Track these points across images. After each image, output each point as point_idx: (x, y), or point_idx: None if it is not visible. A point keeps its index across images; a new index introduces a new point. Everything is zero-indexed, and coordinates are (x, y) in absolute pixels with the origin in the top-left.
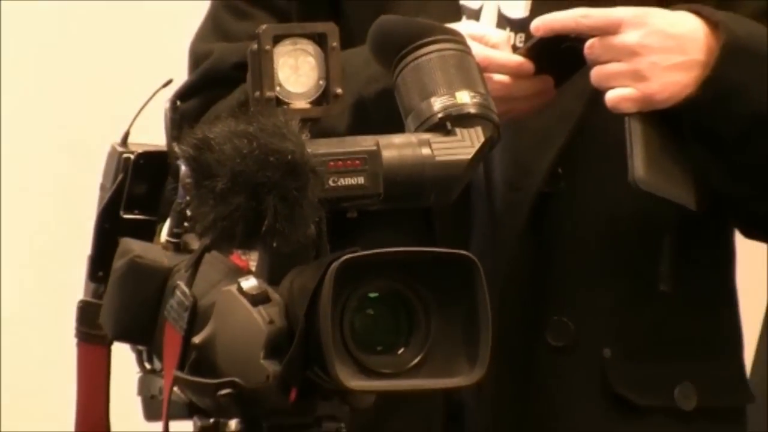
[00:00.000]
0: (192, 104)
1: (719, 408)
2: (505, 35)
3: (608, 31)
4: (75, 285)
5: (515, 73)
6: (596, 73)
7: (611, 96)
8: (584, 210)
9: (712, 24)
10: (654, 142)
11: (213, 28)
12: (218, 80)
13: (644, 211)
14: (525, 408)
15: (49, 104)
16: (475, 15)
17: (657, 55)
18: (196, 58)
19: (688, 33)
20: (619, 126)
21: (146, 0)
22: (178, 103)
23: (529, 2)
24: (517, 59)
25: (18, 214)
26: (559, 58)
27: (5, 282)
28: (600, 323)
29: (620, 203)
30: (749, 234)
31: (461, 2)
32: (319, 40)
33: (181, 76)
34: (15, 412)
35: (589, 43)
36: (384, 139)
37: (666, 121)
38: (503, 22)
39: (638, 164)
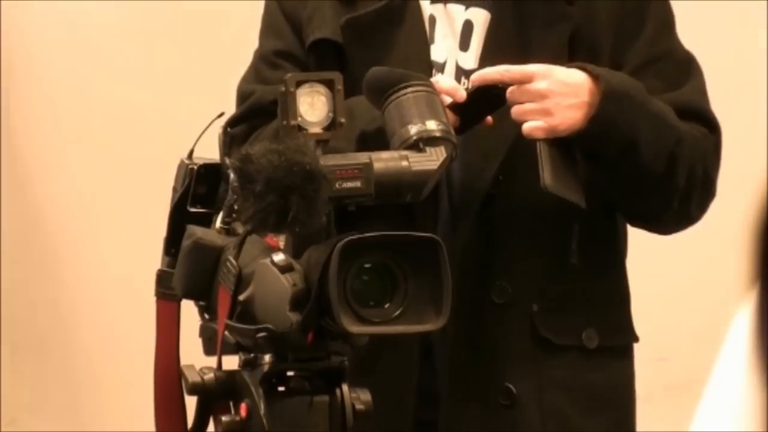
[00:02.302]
0: (239, 130)
1: (613, 346)
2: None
3: (524, 80)
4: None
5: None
6: (515, 111)
7: (526, 127)
8: (518, 206)
9: (594, 76)
10: (557, 160)
11: (254, 75)
12: (259, 112)
13: (559, 207)
14: (476, 347)
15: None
16: (441, 67)
17: (559, 97)
18: (242, 96)
19: (580, 82)
20: None
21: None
22: (229, 129)
23: (477, 58)
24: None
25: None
26: (489, 99)
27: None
28: (529, 286)
29: (543, 201)
30: (632, 223)
31: (432, 58)
32: (329, 84)
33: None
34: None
35: (510, 89)
36: (375, 155)
37: (563, 144)
38: (459, 71)
39: (546, 175)
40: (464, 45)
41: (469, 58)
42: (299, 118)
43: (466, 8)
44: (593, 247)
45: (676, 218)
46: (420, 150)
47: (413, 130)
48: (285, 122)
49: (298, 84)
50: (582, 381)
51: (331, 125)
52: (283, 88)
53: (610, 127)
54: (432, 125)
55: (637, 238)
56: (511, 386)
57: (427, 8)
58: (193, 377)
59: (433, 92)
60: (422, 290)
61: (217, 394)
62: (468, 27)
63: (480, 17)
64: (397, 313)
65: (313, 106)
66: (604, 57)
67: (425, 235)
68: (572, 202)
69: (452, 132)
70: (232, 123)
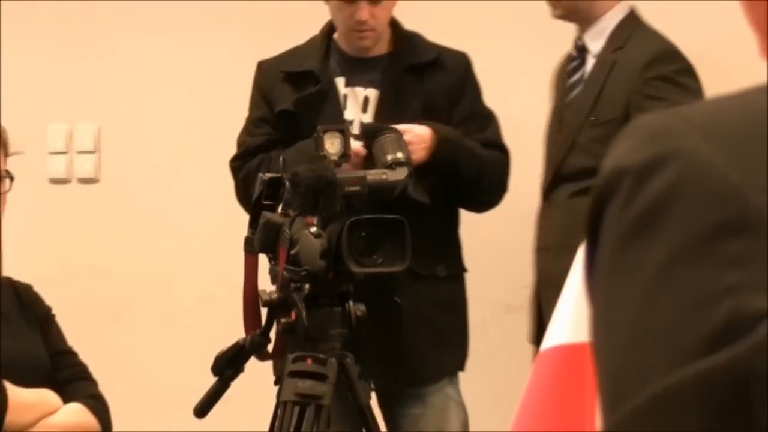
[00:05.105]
0: (254, 162)
1: (453, 275)
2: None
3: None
4: (242, 232)
5: (356, 153)
6: None
7: None
8: (409, 201)
9: (434, 130)
10: (414, 177)
11: (245, 131)
12: (248, 154)
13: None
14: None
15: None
16: (351, 123)
17: (416, 144)
18: (239, 145)
19: (426, 134)
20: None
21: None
22: (234, 163)
23: (372, 118)
24: (360, 149)
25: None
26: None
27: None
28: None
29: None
30: (460, 207)
31: (345, 117)
32: (342, 131)
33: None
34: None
35: None
36: (368, 172)
37: (420, 168)
38: (361, 125)
39: (410, 187)
40: (364, 110)
41: (367, 118)
42: (325, 151)
43: (365, 88)
44: (441, 220)
45: (483, 205)
46: (393, 169)
47: (389, 157)
48: (317, 153)
49: (324, 131)
50: (437, 296)
51: (343, 155)
52: (316, 134)
53: (443, 159)
54: (399, 155)
55: (465, 213)
56: (396, 299)
57: (342, 90)
58: (265, 297)
59: (400, 137)
60: (394, 248)
61: (278, 306)
62: (366, 100)
63: (373, 94)
64: (380, 260)
65: (333, 144)
66: (441, 115)
67: (395, 217)
68: (423, 201)
69: (411, 159)
70: (233, 159)
